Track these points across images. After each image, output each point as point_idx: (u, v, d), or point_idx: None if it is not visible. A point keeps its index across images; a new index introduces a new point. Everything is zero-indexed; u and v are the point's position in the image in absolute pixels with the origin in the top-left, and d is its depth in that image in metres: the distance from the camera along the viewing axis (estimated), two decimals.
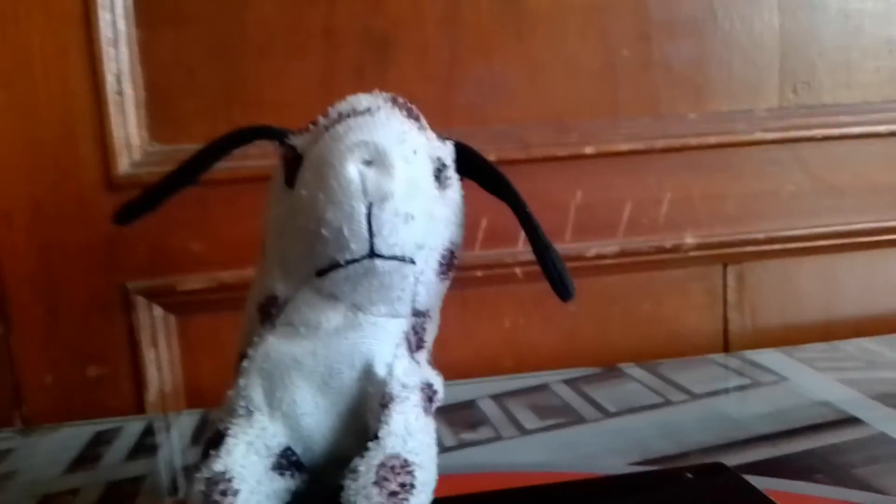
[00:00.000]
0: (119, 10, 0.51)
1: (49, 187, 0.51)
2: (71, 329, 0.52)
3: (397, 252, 0.27)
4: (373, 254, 0.26)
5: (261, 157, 0.52)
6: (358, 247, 0.26)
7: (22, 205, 0.51)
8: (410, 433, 0.27)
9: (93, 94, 0.51)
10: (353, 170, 0.25)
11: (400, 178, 0.26)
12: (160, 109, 0.52)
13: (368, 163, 0.26)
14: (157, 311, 0.53)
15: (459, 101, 0.56)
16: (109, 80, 0.51)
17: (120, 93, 0.51)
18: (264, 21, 0.53)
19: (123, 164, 0.52)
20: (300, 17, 0.53)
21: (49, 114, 0.51)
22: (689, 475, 0.32)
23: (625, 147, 0.58)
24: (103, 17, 0.50)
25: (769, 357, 0.57)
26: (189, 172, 0.31)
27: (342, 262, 0.26)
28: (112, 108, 0.51)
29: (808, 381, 0.52)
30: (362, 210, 0.26)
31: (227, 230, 0.53)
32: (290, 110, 0.53)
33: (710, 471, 0.33)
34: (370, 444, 0.27)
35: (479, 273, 0.57)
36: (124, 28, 0.51)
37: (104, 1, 0.50)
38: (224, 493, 0.26)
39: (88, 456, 0.46)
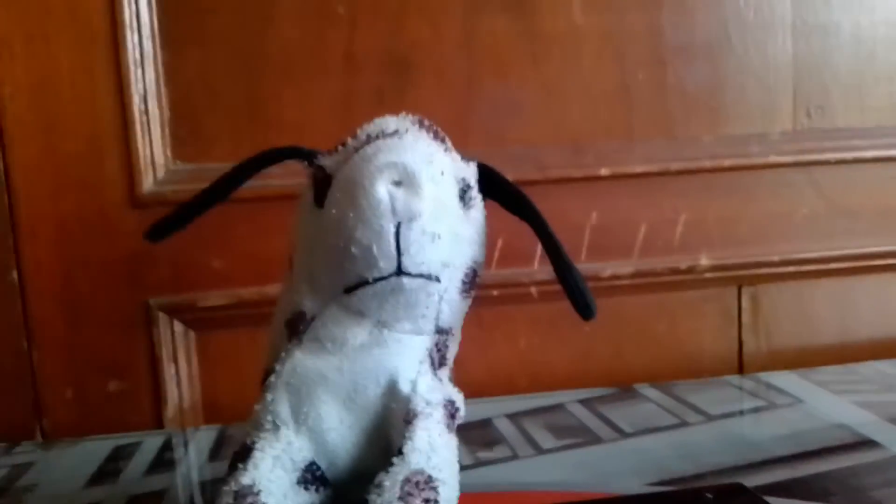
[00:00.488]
0: (145, 31, 0.52)
1: (74, 204, 0.52)
2: (92, 344, 0.53)
3: (424, 270, 0.27)
4: (400, 272, 0.27)
5: (281, 176, 0.53)
6: (386, 265, 0.27)
7: (47, 221, 0.52)
8: (434, 449, 0.28)
9: (118, 113, 0.52)
10: (382, 190, 0.26)
11: (428, 199, 0.26)
12: (184, 128, 0.53)
13: (397, 183, 0.26)
14: (178, 327, 0.54)
15: (476, 123, 0.56)
16: (135, 99, 0.52)
17: (145, 112, 0.52)
18: (286, 43, 0.54)
19: (147, 182, 0.52)
20: (322, 39, 0.54)
21: (75, 131, 0.52)
22: (710, 496, 0.32)
23: (640, 169, 0.58)
24: (130, 38, 0.51)
25: (784, 379, 0.57)
26: (220, 190, 0.32)
27: (370, 280, 0.27)
28: (137, 127, 0.52)
29: (823, 404, 0.52)
30: (391, 229, 0.26)
31: (248, 248, 0.54)
32: (311, 131, 0.54)
33: (730, 492, 0.33)
34: (394, 460, 0.27)
35: (494, 292, 0.57)
36: (150, 49, 0.52)
37: (131, 22, 0.51)
38: None
39: (108, 470, 0.46)
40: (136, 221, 0.52)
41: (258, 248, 0.54)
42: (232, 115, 0.53)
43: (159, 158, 0.53)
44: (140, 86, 0.52)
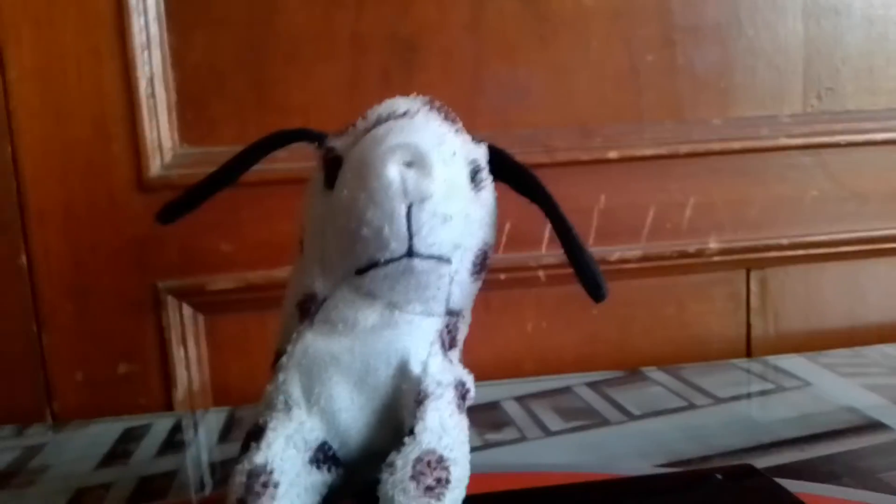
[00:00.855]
0: (152, 14, 0.52)
1: (81, 188, 0.52)
2: (102, 327, 0.53)
3: (435, 252, 0.27)
4: (411, 253, 0.27)
5: (289, 159, 0.52)
6: (397, 246, 0.27)
7: (55, 205, 0.52)
8: (445, 429, 0.28)
9: (125, 97, 0.52)
10: (393, 171, 0.26)
11: (439, 180, 0.26)
12: (190, 112, 0.53)
13: (408, 164, 0.26)
14: (187, 310, 0.54)
15: (484, 106, 0.56)
16: (142, 83, 0.52)
17: (152, 96, 0.52)
18: (293, 26, 0.54)
19: (154, 166, 0.52)
20: (328, 22, 0.54)
21: (82, 116, 0.52)
22: (719, 476, 0.33)
23: (649, 152, 0.58)
24: (136, 22, 0.51)
25: (792, 362, 0.57)
26: (230, 173, 0.32)
27: (381, 261, 0.27)
28: (144, 111, 0.52)
29: (831, 387, 0.52)
30: (402, 210, 0.26)
31: (256, 231, 0.54)
32: (317, 113, 0.54)
33: (740, 472, 0.33)
34: (406, 440, 0.27)
35: (502, 276, 0.57)
36: (156, 32, 0.52)
37: (137, 5, 0.51)
38: (265, 485, 0.26)
39: (119, 452, 0.47)
40: (144, 205, 0.52)
41: (266, 231, 0.54)
42: (238, 98, 0.53)
43: (166, 142, 0.53)
44: (147, 69, 0.52)
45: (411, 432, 0.27)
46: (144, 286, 0.53)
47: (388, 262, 0.27)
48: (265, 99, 0.54)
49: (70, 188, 0.52)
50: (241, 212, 0.53)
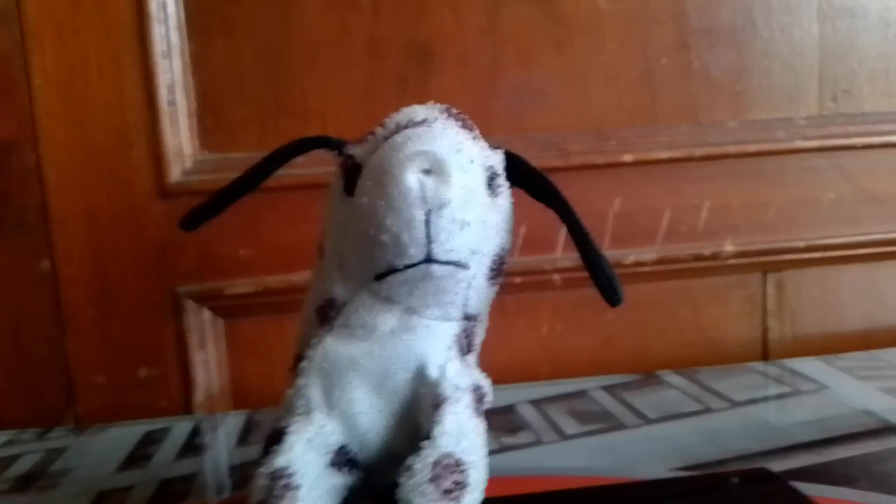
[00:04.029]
0: (172, 22, 0.52)
1: (103, 195, 0.53)
2: (123, 331, 0.54)
3: (453, 257, 0.28)
4: (430, 259, 0.27)
5: (307, 165, 0.53)
6: (416, 252, 0.27)
7: (77, 212, 0.53)
8: (463, 433, 0.28)
9: (146, 104, 0.53)
10: (412, 178, 0.26)
11: (457, 187, 0.27)
12: (210, 119, 0.54)
13: (427, 172, 0.27)
14: (206, 314, 0.55)
15: (500, 110, 0.57)
16: (162, 90, 0.52)
17: (172, 103, 0.53)
18: (310, 32, 0.54)
19: (175, 173, 0.53)
20: (345, 28, 0.54)
21: (104, 123, 0.53)
22: (735, 480, 0.33)
23: (664, 155, 0.58)
24: (157, 30, 0.52)
25: (809, 365, 0.57)
26: (252, 180, 0.32)
27: (400, 267, 0.27)
28: (165, 118, 0.53)
29: (848, 390, 0.52)
30: (421, 217, 0.27)
31: (274, 236, 0.54)
32: (334, 119, 0.54)
33: (757, 476, 0.33)
34: (424, 443, 0.28)
35: (517, 279, 0.57)
36: (177, 40, 0.53)
37: (158, 14, 0.52)
38: (287, 488, 0.27)
39: (140, 455, 0.47)
40: (165, 211, 0.53)
41: (284, 236, 0.54)
42: (257, 104, 0.54)
43: (187, 149, 0.54)
44: (167, 77, 0.52)
45: (429, 436, 0.28)
46: (165, 291, 0.54)
47: (406, 267, 0.27)
48: (284, 105, 0.54)
49: (92, 194, 0.53)
50: (259, 217, 0.54)
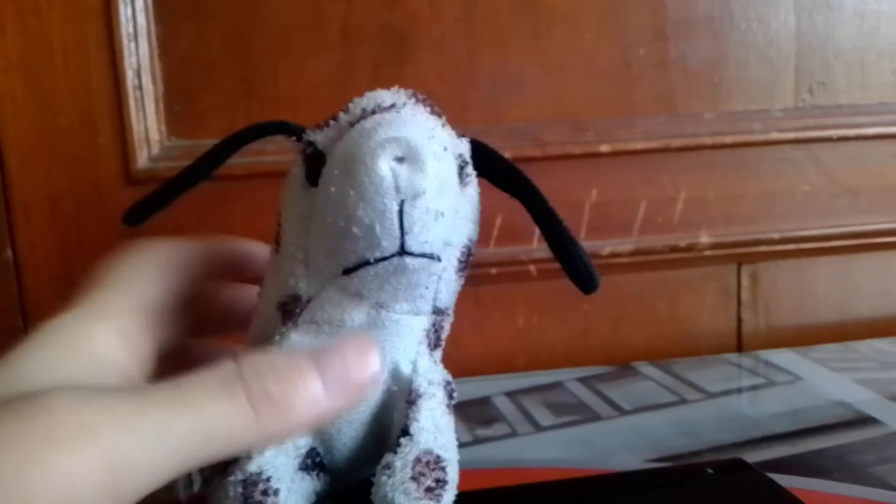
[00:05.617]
0: (139, 4, 0.51)
1: (67, 181, 0.52)
2: None
3: (427, 249, 0.26)
4: (403, 251, 0.26)
5: (277, 152, 0.52)
6: (389, 244, 0.26)
7: (40, 198, 0.51)
8: (439, 429, 0.27)
9: (112, 89, 0.51)
10: (385, 167, 0.25)
11: (431, 175, 0.25)
12: (179, 104, 0.53)
13: (400, 159, 0.25)
14: None
15: (476, 99, 0.56)
16: (129, 74, 0.51)
17: (139, 87, 0.51)
18: (282, 17, 0.53)
19: (142, 159, 0.52)
20: (318, 13, 0.53)
21: (68, 107, 0.51)
22: (710, 471, 0.32)
23: (640, 146, 0.58)
24: (123, 12, 0.50)
25: (783, 357, 0.57)
26: (202, 168, 0.31)
27: (371, 260, 0.26)
28: (131, 103, 0.51)
29: (822, 381, 0.52)
30: (394, 207, 0.25)
31: (244, 225, 0.53)
32: (307, 106, 0.53)
33: (731, 467, 0.33)
34: (402, 441, 0.27)
35: (493, 270, 0.57)
36: (144, 23, 0.51)
37: None
38: (266, 493, 0.26)
39: None
40: (131, 198, 0.50)
41: (254, 225, 0.53)
42: (227, 90, 0.53)
43: (154, 134, 0.52)
44: (134, 60, 0.51)
45: (405, 433, 0.27)
46: None
47: (378, 260, 0.26)
48: (254, 91, 0.53)
49: (56, 181, 0.51)
50: (229, 205, 0.53)
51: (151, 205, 0.31)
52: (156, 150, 0.52)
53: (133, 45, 0.51)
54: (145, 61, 0.51)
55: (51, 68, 0.51)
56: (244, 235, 0.53)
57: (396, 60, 0.55)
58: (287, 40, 0.53)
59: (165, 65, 0.52)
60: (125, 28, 0.50)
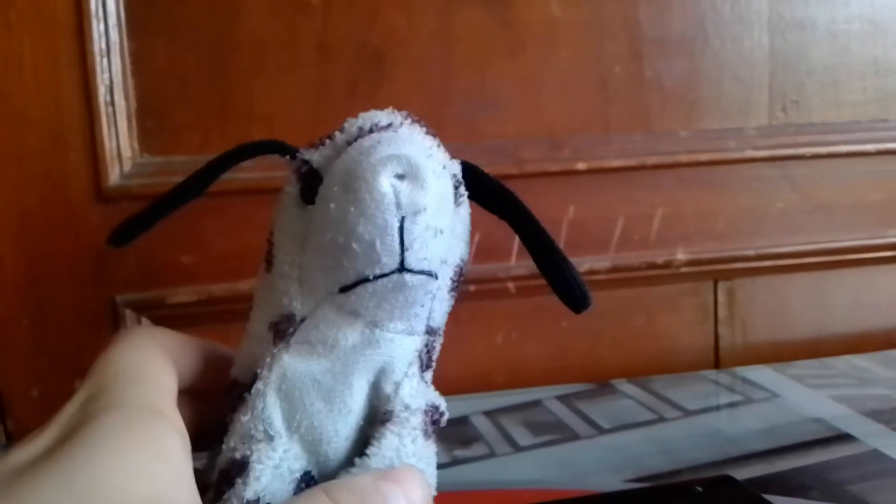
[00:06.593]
0: (112, 20, 0.50)
1: (38, 198, 0.50)
2: (58, 342, 0.52)
3: (426, 266, 0.26)
4: (403, 268, 0.26)
5: (252, 170, 0.51)
6: (389, 260, 0.25)
7: (10, 215, 0.50)
8: (401, 457, 0.26)
9: (84, 105, 0.50)
10: (385, 183, 0.25)
11: (432, 192, 0.25)
12: (151, 120, 0.52)
13: (401, 177, 0.25)
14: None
15: (452, 116, 0.56)
16: (101, 90, 0.50)
17: (111, 103, 0.51)
18: (258, 34, 0.53)
19: (114, 176, 0.51)
20: (294, 30, 0.53)
21: (39, 123, 0.50)
22: (699, 489, 0.32)
23: (617, 163, 0.58)
24: (96, 28, 0.50)
25: (760, 373, 0.57)
26: (193, 188, 0.30)
27: (371, 277, 0.26)
28: (103, 119, 0.50)
29: (799, 398, 0.52)
30: (395, 223, 0.25)
31: (218, 243, 0.53)
32: (282, 123, 0.53)
33: (719, 483, 0.33)
34: (356, 461, 0.26)
35: (471, 288, 0.56)
36: (116, 38, 0.50)
37: (97, 10, 0.50)
38: None
39: None
40: (102, 216, 0.51)
41: (229, 243, 0.52)
42: (201, 106, 0.52)
43: (126, 151, 0.51)
44: (106, 76, 0.50)
45: (365, 454, 0.26)
46: (102, 299, 0.52)
47: (377, 277, 0.26)
48: (228, 108, 0.53)
49: (26, 197, 0.50)
50: (203, 222, 0.52)
51: (138, 225, 0.30)
52: (128, 166, 0.51)
53: (105, 60, 0.50)
54: (118, 77, 0.51)
55: (21, 84, 0.50)
56: (218, 252, 0.53)
57: (373, 78, 0.54)
58: (262, 56, 0.53)
59: (138, 81, 0.51)
60: (98, 44, 0.50)
